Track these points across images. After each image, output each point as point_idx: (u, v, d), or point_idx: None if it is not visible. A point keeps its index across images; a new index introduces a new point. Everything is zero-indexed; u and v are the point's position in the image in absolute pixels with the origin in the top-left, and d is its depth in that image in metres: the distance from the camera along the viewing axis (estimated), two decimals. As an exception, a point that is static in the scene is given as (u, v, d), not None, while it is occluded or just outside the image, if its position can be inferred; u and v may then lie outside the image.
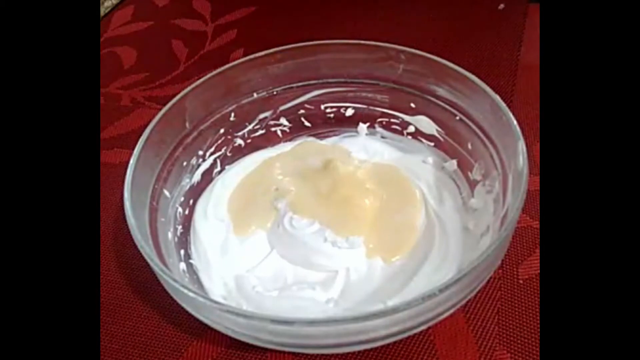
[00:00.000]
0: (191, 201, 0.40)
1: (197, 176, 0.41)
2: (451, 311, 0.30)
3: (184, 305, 0.31)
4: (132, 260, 0.39)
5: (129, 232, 0.31)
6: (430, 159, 0.41)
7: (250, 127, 0.43)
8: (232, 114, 0.42)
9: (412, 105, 0.41)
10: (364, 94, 0.42)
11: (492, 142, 0.36)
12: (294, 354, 0.33)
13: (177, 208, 0.39)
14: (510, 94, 0.48)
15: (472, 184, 0.38)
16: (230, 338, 0.30)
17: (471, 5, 0.60)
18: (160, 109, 0.37)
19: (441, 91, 0.39)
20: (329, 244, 0.36)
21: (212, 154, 0.42)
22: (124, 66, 0.58)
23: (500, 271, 0.36)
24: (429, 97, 0.40)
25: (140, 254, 0.30)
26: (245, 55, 0.41)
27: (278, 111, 0.44)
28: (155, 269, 0.30)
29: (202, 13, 0.64)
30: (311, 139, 0.44)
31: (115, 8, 0.68)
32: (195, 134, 0.40)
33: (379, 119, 0.43)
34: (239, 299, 0.34)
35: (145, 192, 0.35)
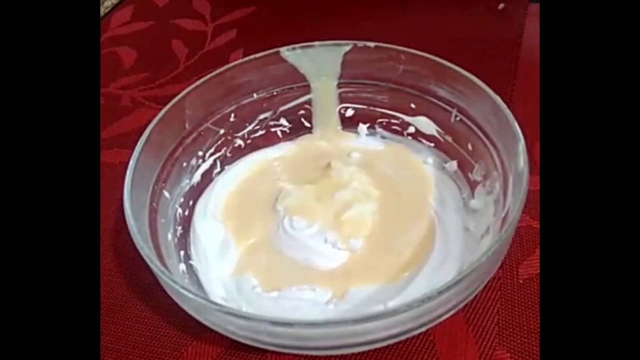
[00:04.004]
0: (191, 202, 0.40)
1: (196, 177, 0.41)
2: (452, 312, 0.30)
3: (183, 306, 0.31)
4: (131, 260, 0.39)
5: (129, 233, 0.31)
6: (430, 160, 0.41)
7: (250, 127, 0.43)
8: (232, 115, 0.42)
9: (412, 105, 0.41)
10: (364, 95, 0.42)
11: (492, 143, 0.36)
12: (294, 355, 0.33)
13: (176, 209, 0.38)
14: (510, 94, 0.48)
15: (473, 185, 0.38)
16: (230, 339, 0.30)
17: (471, 5, 0.60)
18: (160, 109, 0.37)
19: (441, 92, 0.39)
20: (329, 245, 0.36)
21: (212, 154, 0.42)
22: (124, 66, 0.58)
23: (500, 271, 0.36)
24: (429, 98, 0.40)
25: (140, 255, 0.30)
26: (245, 55, 0.41)
27: (278, 112, 0.43)
28: (155, 270, 0.30)
29: (202, 13, 0.64)
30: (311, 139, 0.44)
31: (115, 8, 0.68)
32: (195, 134, 0.40)
33: (379, 120, 0.43)
34: (239, 300, 0.34)
35: (145, 193, 0.35)
